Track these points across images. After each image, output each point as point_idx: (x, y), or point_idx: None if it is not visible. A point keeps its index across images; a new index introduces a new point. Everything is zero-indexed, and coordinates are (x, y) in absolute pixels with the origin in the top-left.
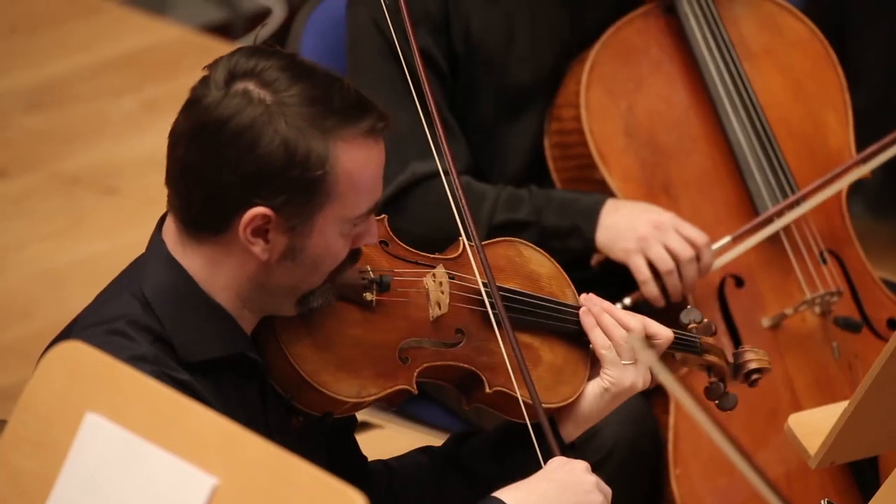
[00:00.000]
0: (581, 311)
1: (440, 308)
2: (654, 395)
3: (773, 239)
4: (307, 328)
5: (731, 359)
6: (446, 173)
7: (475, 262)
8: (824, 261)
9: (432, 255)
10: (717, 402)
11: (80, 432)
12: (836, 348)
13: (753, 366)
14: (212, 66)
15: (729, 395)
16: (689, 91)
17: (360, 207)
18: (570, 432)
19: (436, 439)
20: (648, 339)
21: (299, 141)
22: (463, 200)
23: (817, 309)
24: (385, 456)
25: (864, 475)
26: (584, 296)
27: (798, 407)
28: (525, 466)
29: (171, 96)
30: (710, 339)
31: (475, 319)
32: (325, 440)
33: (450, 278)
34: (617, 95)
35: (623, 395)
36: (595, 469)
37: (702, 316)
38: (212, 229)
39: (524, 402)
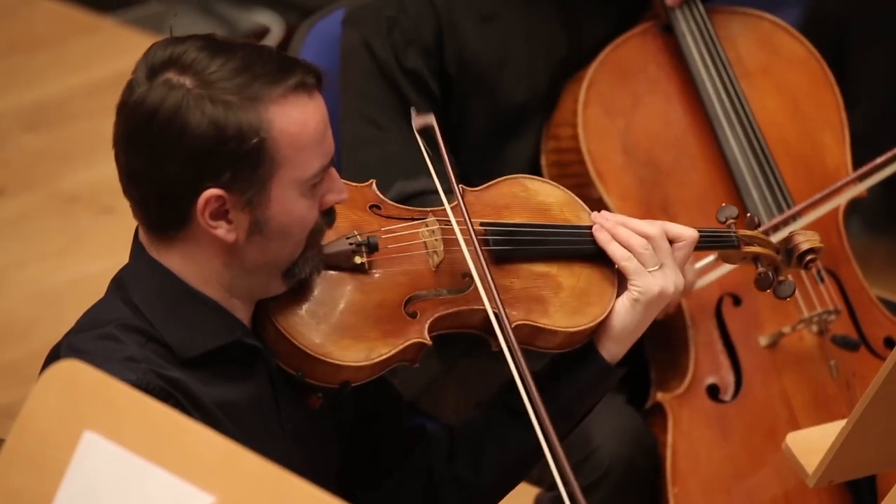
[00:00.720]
0: (594, 229)
1: (437, 256)
2: (651, 414)
3: None
4: (301, 303)
5: (780, 245)
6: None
7: (463, 207)
8: (822, 279)
9: (426, 209)
10: (771, 290)
11: (78, 451)
12: (833, 367)
13: (805, 247)
14: (135, 69)
15: (784, 282)
16: (686, 110)
17: (311, 166)
18: (613, 351)
19: None
20: (671, 242)
21: (228, 115)
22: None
23: (815, 327)
24: None
25: (862, 494)
26: (594, 213)
27: (796, 425)
28: (583, 385)
29: None
30: (750, 232)
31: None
32: (349, 417)
33: (442, 225)
34: (614, 114)
35: (655, 304)
36: (593, 488)
37: (737, 211)
38: (174, 226)
39: (552, 331)
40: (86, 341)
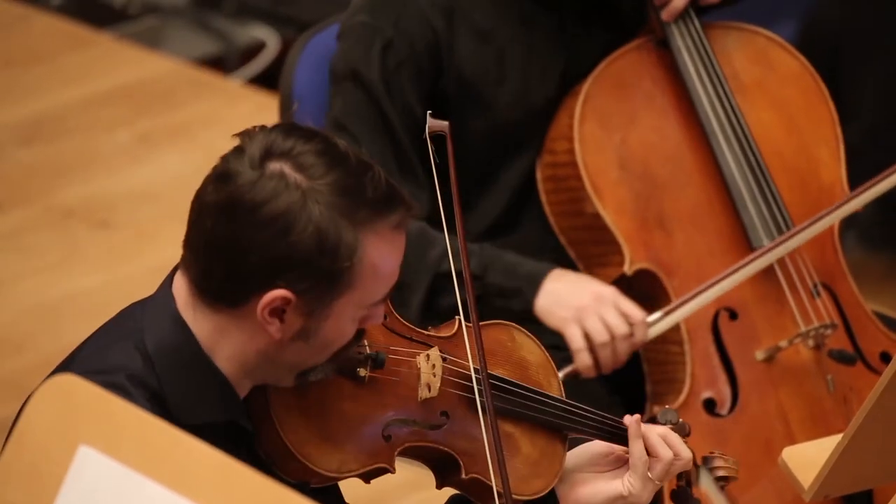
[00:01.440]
0: (632, 419)
1: (430, 391)
2: None
3: (767, 272)
4: (298, 399)
5: (699, 462)
6: (455, 254)
7: (469, 346)
8: (818, 294)
9: (427, 333)
10: None
11: (74, 465)
12: (830, 381)
13: (721, 473)
14: (245, 138)
15: (694, 500)
16: (682, 124)
17: (377, 295)
18: None
19: (423, 478)
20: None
21: (331, 231)
22: (466, 274)
23: (811, 342)
24: (372, 495)
25: None
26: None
27: (792, 440)
28: None
29: (165, 129)
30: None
31: (461, 403)
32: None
33: (443, 361)
34: (610, 128)
35: None
36: None
37: (678, 416)
38: (228, 303)
39: (497, 493)
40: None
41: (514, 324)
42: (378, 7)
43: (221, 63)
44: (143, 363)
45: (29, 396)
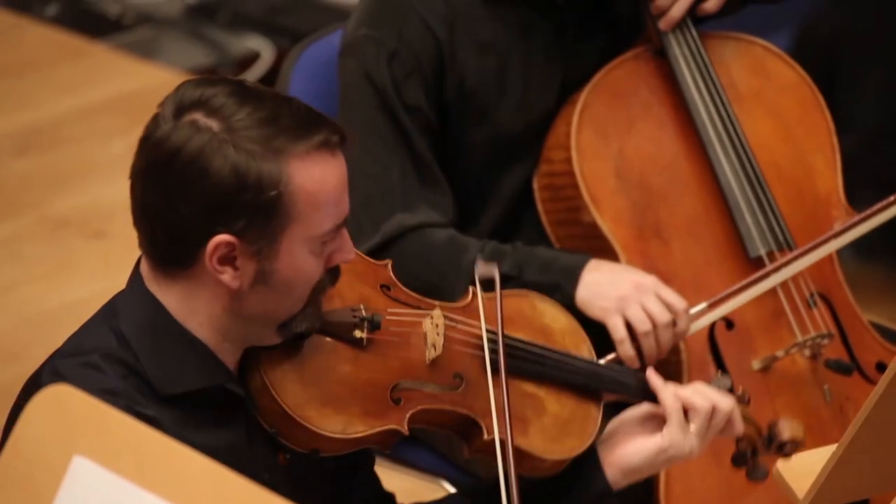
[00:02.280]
0: (649, 373)
1: (435, 349)
2: None
3: None
4: (293, 363)
5: (764, 430)
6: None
7: (481, 306)
8: (814, 304)
9: (433, 301)
10: (745, 470)
11: (68, 476)
12: (827, 391)
13: (786, 437)
14: (162, 104)
15: (759, 465)
16: (679, 134)
17: (324, 224)
18: (617, 480)
19: (426, 483)
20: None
21: (250, 164)
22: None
23: (807, 352)
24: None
25: None
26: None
27: None
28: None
29: None
30: (742, 411)
31: (475, 365)
32: (321, 478)
33: (448, 321)
34: (608, 137)
35: (676, 460)
36: None
37: (731, 383)
38: (180, 264)
39: (525, 452)
40: (68, 367)
41: (535, 292)
42: (379, 20)
43: (216, 73)
44: (117, 342)
45: (15, 404)
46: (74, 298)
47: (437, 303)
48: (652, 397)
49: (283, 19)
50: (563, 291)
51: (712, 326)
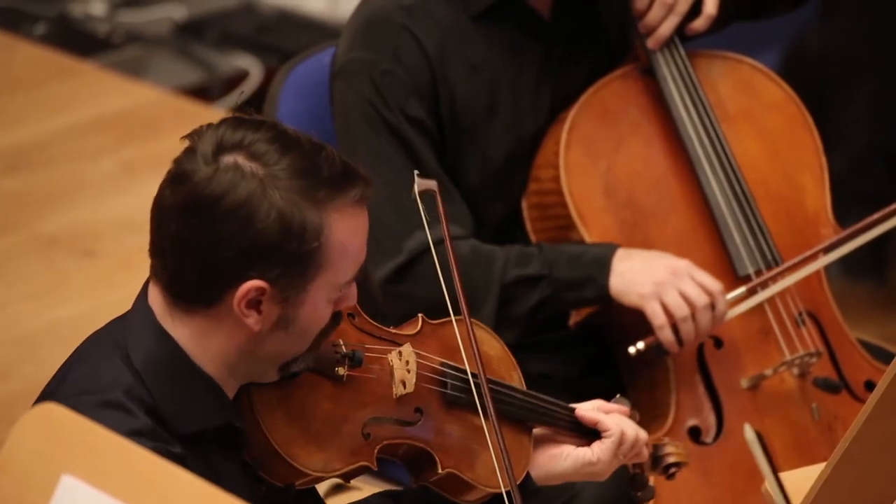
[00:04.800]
0: (581, 408)
1: (405, 387)
2: None
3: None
4: (281, 400)
5: (650, 450)
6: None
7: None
8: (802, 322)
9: (394, 331)
10: (639, 493)
11: (57, 494)
12: (815, 409)
13: (672, 460)
14: (195, 137)
15: (649, 487)
16: (667, 152)
17: (348, 274)
18: (540, 479)
19: None
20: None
21: (294, 213)
22: (457, 281)
23: (796, 370)
24: None
25: None
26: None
27: (777, 468)
28: None
29: (149, 158)
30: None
31: (433, 399)
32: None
33: (418, 358)
34: (596, 156)
35: (592, 476)
36: None
37: (629, 404)
38: (203, 302)
39: (472, 485)
40: (90, 408)
41: (473, 319)
42: (372, 41)
43: (205, 92)
44: (133, 378)
45: None
46: (64, 317)
47: (397, 332)
48: (580, 430)
49: (271, 38)
50: (595, 284)
51: (701, 345)
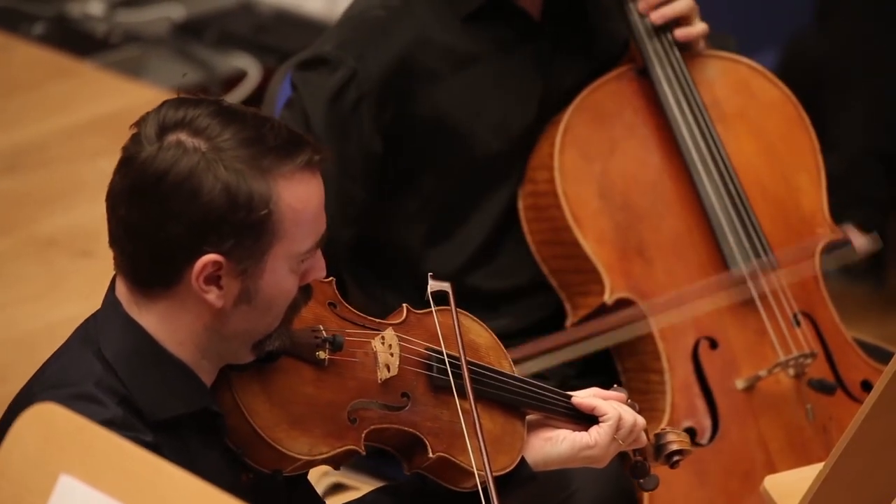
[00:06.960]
0: (577, 395)
1: (389, 371)
2: None
3: (747, 301)
4: (262, 384)
5: (652, 439)
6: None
7: (426, 328)
8: (798, 323)
9: (378, 320)
10: (641, 481)
11: (55, 494)
12: (810, 410)
13: (674, 447)
14: (140, 123)
15: (651, 476)
16: (662, 154)
17: (307, 242)
18: (537, 464)
19: None
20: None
21: (240, 183)
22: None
23: (791, 371)
24: None
25: None
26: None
27: (772, 469)
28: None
29: None
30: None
31: (420, 383)
32: (278, 498)
33: (401, 341)
34: (591, 158)
35: (590, 461)
36: None
37: (626, 394)
38: (163, 284)
39: (466, 470)
40: (62, 399)
41: (459, 309)
42: (348, 38)
43: (203, 92)
44: (104, 370)
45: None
46: (62, 318)
47: (381, 321)
48: (577, 416)
49: (269, 38)
50: None
51: (696, 346)
